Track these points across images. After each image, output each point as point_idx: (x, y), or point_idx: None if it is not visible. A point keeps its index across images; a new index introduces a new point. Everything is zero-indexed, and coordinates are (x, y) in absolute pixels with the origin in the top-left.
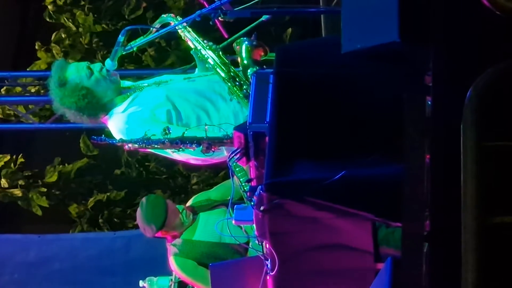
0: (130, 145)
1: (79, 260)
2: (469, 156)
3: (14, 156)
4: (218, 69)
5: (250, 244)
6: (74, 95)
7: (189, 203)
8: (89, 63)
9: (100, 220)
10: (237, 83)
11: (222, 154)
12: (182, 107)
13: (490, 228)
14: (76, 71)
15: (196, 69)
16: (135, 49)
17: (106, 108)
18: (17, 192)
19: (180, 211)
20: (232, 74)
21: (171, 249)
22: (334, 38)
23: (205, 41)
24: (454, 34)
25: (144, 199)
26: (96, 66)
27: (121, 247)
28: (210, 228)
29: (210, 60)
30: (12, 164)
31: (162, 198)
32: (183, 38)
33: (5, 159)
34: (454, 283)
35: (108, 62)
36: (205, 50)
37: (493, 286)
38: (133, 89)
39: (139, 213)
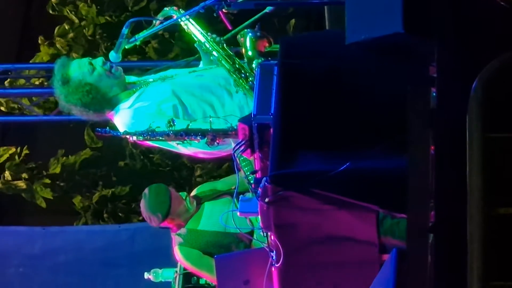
0: (134, 137)
1: (84, 252)
2: (474, 148)
3: (19, 149)
4: (223, 62)
5: (255, 235)
6: (78, 91)
7: (193, 193)
8: (90, 58)
9: (105, 215)
10: (243, 75)
11: (229, 146)
12: (188, 101)
13: (495, 219)
14: (78, 68)
15: (201, 62)
16: (138, 42)
17: (111, 103)
18: (21, 184)
19: (184, 197)
20: (237, 66)
21: (176, 239)
22: (338, 31)
23: (208, 34)
24: (459, 25)
25: (146, 190)
26: (98, 61)
27: (126, 240)
28: (215, 218)
29: (214, 53)
30: (16, 157)
31: (164, 186)
32: (186, 31)
33: (10, 152)
34: (460, 274)
35: (112, 54)
36: (209, 43)
37: (498, 276)
38: (138, 84)
39: (143, 203)
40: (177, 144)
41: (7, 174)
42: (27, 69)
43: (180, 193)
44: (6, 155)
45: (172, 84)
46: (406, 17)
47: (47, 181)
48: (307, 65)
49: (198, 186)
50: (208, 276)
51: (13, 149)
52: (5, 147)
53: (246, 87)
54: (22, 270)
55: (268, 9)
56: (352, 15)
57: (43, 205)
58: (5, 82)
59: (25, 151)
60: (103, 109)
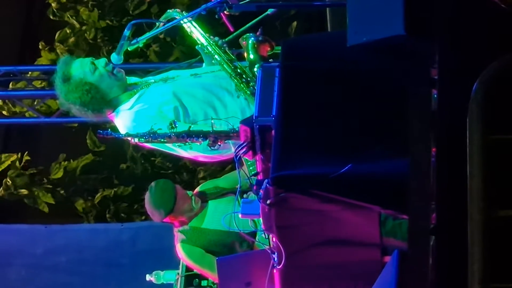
0: (136, 139)
1: (86, 251)
2: (475, 149)
3: (20, 154)
4: (224, 66)
5: (257, 237)
6: (78, 90)
7: (196, 190)
8: (93, 58)
9: (108, 216)
10: (244, 80)
11: (230, 151)
12: (189, 104)
13: (496, 221)
14: (80, 67)
15: (203, 64)
16: (141, 44)
17: (111, 105)
18: (23, 190)
19: (190, 196)
20: (238, 70)
21: (179, 236)
22: (339, 33)
23: (211, 37)
24: (460, 27)
25: (153, 183)
26: (101, 62)
27: (128, 239)
28: (218, 216)
29: (216, 56)
30: (17, 163)
31: (171, 183)
32: (189, 33)
33: (12, 159)
34: (461, 276)
35: (114, 56)
36: (211, 46)
37: (499, 278)
38: (139, 85)
39: (147, 197)
40: (178, 147)
41: (9, 180)
42: (29, 71)
43: (187, 191)
44: (8, 162)
45: (174, 86)
46: (407, 19)
47: (49, 186)
48: (309, 67)
49: (201, 184)
50: (210, 274)
51: (15, 156)
52: (6, 154)
53: (247, 92)
54: (24, 269)
55: (269, 11)
56: (354, 17)
57: (46, 210)
58: (9, 84)
59: (26, 157)
60: (102, 109)
